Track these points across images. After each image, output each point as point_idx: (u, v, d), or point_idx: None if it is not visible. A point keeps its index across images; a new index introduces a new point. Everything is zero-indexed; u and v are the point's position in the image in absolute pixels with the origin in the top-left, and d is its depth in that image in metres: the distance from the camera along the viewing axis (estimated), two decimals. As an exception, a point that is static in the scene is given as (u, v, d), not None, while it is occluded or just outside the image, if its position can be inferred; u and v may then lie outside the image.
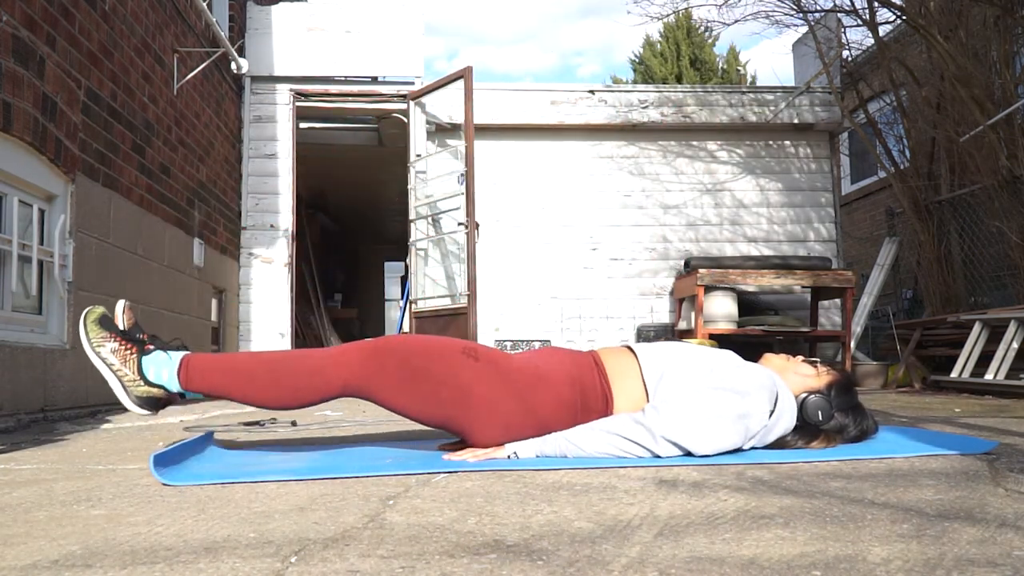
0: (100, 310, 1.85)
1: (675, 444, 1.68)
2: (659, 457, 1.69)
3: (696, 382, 1.76)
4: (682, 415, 1.68)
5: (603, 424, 1.73)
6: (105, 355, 1.78)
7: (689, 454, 1.69)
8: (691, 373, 1.79)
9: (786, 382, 1.83)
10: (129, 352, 1.79)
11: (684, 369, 1.80)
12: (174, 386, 1.79)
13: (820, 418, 1.79)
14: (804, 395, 1.81)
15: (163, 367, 1.79)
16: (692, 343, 1.99)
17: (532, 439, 1.75)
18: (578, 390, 1.78)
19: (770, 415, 1.75)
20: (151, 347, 1.82)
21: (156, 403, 1.81)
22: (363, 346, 1.82)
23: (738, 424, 1.70)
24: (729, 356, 1.87)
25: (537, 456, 1.73)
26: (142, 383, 1.78)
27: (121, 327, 1.85)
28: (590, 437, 1.71)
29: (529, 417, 1.75)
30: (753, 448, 1.77)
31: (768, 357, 1.93)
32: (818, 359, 1.94)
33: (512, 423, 1.74)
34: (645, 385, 1.80)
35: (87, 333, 1.80)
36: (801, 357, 1.91)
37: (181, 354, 1.82)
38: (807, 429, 1.80)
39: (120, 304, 1.89)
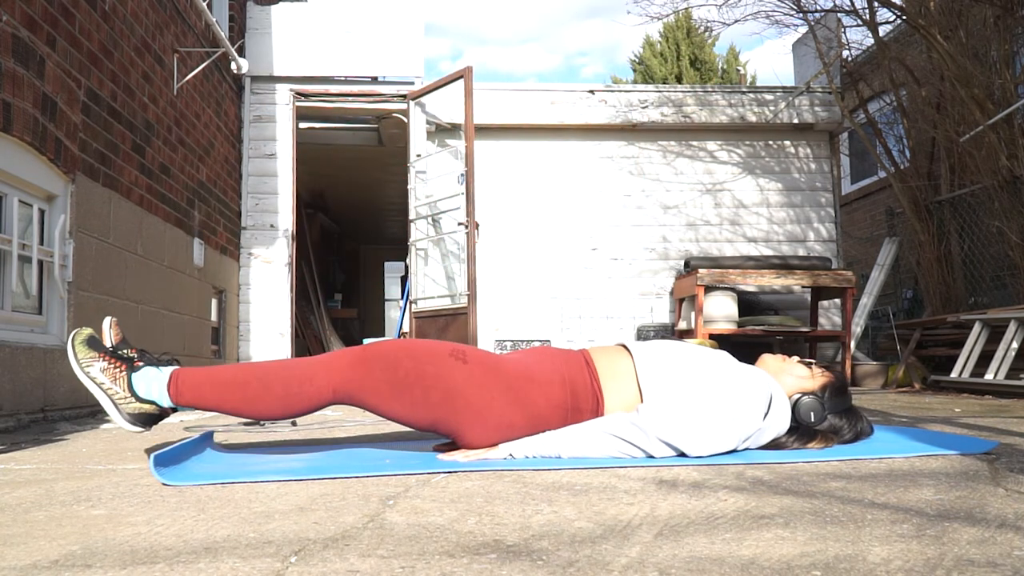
0: (87, 331, 1.85)
1: (669, 445, 1.69)
2: (653, 457, 1.69)
3: (691, 383, 1.76)
4: (677, 416, 1.69)
5: (598, 424, 1.73)
6: (94, 375, 1.78)
7: (683, 455, 1.69)
8: (686, 374, 1.79)
9: (781, 383, 1.84)
10: (118, 370, 1.79)
11: (679, 370, 1.80)
12: (165, 401, 1.78)
13: (812, 419, 1.80)
14: (797, 396, 1.82)
15: (153, 382, 1.79)
16: (691, 343, 1.99)
17: (526, 439, 1.75)
18: (569, 390, 1.78)
19: (764, 417, 1.76)
20: (140, 363, 1.82)
21: (149, 419, 1.80)
22: (352, 352, 1.81)
23: (732, 426, 1.71)
24: (724, 357, 1.87)
25: (532, 456, 1.73)
26: (133, 400, 1.77)
27: (109, 345, 1.85)
28: (585, 437, 1.72)
29: (519, 418, 1.75)
30: (748, 449, 1.78)
31: (764, 358, 1.95)
32: (813, 360, 1.94)
33: (502, 424, 1.74)
34: (639, 385, 1.80)
35: (75, 354, 1.79)
36: (796, 358, 1.92)
37: (171, 369, 1.82)
38: (803, 430, 1.81)
39: (107, 321, 1.89)
